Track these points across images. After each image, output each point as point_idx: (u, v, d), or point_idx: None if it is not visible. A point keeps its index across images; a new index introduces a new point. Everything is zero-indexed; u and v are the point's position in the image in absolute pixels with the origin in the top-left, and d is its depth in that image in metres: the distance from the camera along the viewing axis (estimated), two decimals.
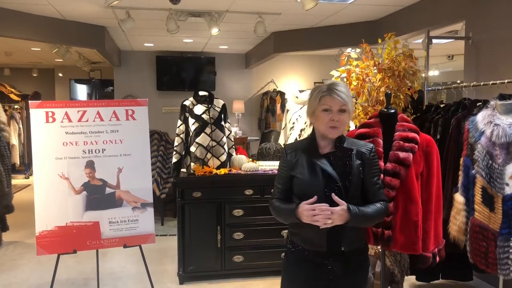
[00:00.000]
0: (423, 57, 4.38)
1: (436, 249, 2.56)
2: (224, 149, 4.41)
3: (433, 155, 2.51)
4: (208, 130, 4.33)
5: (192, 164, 4.35)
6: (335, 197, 1.96)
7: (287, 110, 4.98)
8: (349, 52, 4.20)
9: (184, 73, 10.00)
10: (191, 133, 4.37)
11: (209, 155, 4.33)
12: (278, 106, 9.81)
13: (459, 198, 2.98)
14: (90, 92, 13.47)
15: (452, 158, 3.36)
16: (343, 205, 1.95)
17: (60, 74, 12.67)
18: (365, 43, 4.12)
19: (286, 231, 3.70)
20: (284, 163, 2.14)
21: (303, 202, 1.98)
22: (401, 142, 2.46)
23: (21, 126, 10.13)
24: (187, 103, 4.43)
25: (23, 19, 6.07)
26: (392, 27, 5.42)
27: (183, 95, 5.39)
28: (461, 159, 3.00)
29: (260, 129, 10.38)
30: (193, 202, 4.12)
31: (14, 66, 12.17)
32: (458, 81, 5.51)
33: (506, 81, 3.38)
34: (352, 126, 4.02)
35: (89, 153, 3.50)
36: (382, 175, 2.33)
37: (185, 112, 4.42)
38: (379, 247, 2.62)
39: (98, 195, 3.51)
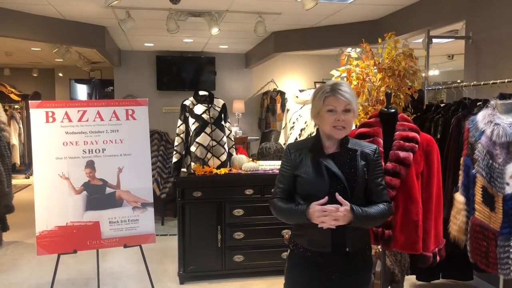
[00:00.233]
0: (423, 56, 4.38)
1: (437, 249, 2.56)
2: (224, 148, 4.41)
3: (433, 155, 2.51)
4: (208, 129, 4.33)
5: (192, 163, 4.35)
6: (339, 197, 1.96)
7: (287, 110, 4.98)
8: (349, 52, 4.20)
9: (184, 73, 10.00)
10: (191, 133, 4.37)
11: (209, 155, 4.33)
12: (278, 105, 9.81)
13: (459, 197, 2.97)
14: (90, 92, 13.47)
15: (452, 158, 3.36)
16: (346, 205, 1.95)
17: (60, 74, 12.67)
18: (365, 43, 4.12)
19: (286, 230, 3.71)
20: (288, 162, 2.13)
21: (314, 202, 1.97)
22: (402, 141, 2.46)
23: (21, 126, 10.13)
24: (187, 103, 4.43)
25: (23, 19, 6.07)
26: (392, 26, 5.42)
27: (183, 95, 5.39)
28: (462, 159, 2.99)
29: (260, 128, 10.38)
30: (194, 202, 4.12)
31: (14, 66, 12.17)
32: (458, 81, 5.51)
33: (506, 80, 3.38)
34: (352, 126, 4.02)
35: (89, 153, 3.50)
36: None
37: (185, 112, 4.41)
38: (379, 246, 2.62)
39: (98, 195, 3.51)
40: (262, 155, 4.67)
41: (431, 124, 3.70)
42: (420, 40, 5.70)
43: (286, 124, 4.94)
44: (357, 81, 3.96)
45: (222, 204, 4.15)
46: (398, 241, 2.46)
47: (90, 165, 3.50)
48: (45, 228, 3.39)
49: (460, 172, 3.01)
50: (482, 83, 3.59)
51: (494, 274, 2.85)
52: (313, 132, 4.55)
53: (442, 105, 4.00)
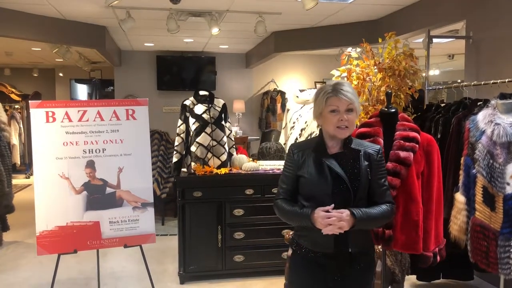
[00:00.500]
0: (423, 56, 4.38)
1: (437, 249, 2.56)
2: (224, 148, 4.41)
3: (433, 155, 2.50)
4: (208, 129, 4.33)
5: (192, 163, 4.35)
6: (334, 211, 1.95)
7: (288, 110, 4.98)
8: (349, 52, 4.20)
9: (184, 72, 10.00)
10: (191, 133, 4.37)
11: (209, 155, 4.33)
12: (279, 105, 9.81)
13: (460, 197, 2.97)
14: (90, 92, 13.47)
15: (453, 158, 3.36)
16: (345, 211, 1.95)
17: (61, 74, 12.67)
18: (365, 43, 4.12)
19: (287, 230, 3.71)
20: (291, 162, 2.13)
21: (319, 208, 1.97)
22: (402, 141, 2.46)
23: (21, 126, 10.13)
24: (187, 102, 4.43)
25: (24, 19, 6.07)
26: (393, 26, 5.42)
27: (184, 95, 5.39)
28: (462, 159, 2.99)
29: (260, 128, 10.38)
30: (194, 202, 4.12)
31: (15, 66, 12.17)
32: (459, 81, 5.51)
33: (506, 80, 3.38)
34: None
35: (89, 152, 3.50)
36: None
37: (185, 111, 4.41)
38: (379, 246, 2.62)
39: (98, 195, 3.51)
40: (262, 155, 4.67)
41: (432, 124, 3.70)
42: (421, 40, 5.70)
43: (286, 124, 4.94)
44: (358, 81, 3.96)
45: (222, 204, 4.15)
46: (398, 241, 2.46)
47: (90, 165, 3.50)
48: (45, 228, 3.39)
49: (461, 172, 3.01)
50: (482, 83, 3.59)
51: (494, 274, 2.85)
52: (313, 132, 4.55)
53: (442, 105, 4.00)
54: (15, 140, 9.64)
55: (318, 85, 10.02)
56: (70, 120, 3.46)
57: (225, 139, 4.42)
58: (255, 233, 4.19)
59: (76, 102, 4.10)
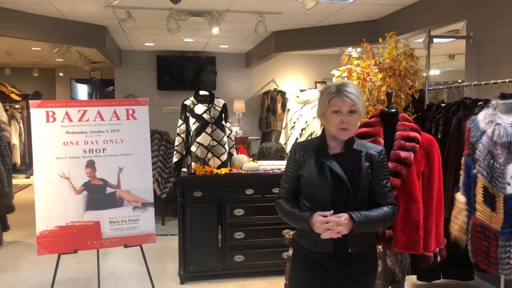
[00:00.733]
0: (424, 56, 4.38)
1: (437, 249, 2.55)
2: (224, 148, 4.41)
3: (434, 155, 2.50)
4: (208, 129, 4.33)
5: (193, 163, 4.34)
6: (333, 216, 1.94)
7: (288, 110, 4.97)
8: (350, 52, 4.20)
9: (184, 72, 10.00)
10: (191, 133, 4.37)
11: (209, 155, 4.32)
12: (279, 105, 9.81)
13: (460, 197, 2.97)
14: (90, 91, 13.48)
15: (453, 158, 3.36)
16: (342, 216, 1.94)
17: (61, 74, 12.67)
18: (366, 43, 4.12)
19: (287, 230, 3.71)
20: (292, 162, 2.12)
21: (318, 212, 1.96)
22: (402, 141, 2.45)
23: (22, 126, 10.13)
24: (187, 102, 4.43)
25: (24, 18, 6.07)
26: (393, 26, 5.41)
27: (184, 95, 5.39)
28: (462, 159, 2.99)
29: (261, 128, 10.38)
30: (194, 202, 4.11)
31: (15, 66, 12.18)
32: (459, 81, 5.51)
33: (507, 80, 3.38)
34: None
35: (89, 152, 3.49)
36: None
37: (185, 111, 4.41)
38: (380, 246, 2.61)
39: (98, 195, 3.51)
40: (262, 155, 4.67)
41: (432, 124, 3.70)
42: (421, 40, 5.70)
43: (286, 124, 4.94)
44: (358, 80, 3.96)
45: (222, 204, 4.15)
46: (398, 241, 2.45)
47: (91, 165, 3.49)
48: (46, 228, 3.39)
49: (461, 172, 3.00)
50: (483, 83, 3.59)
51: (495, 274, 2.85)
52: (314, 132, 4.54)
53: (443, 105, 4.00)
54: (15, 140, 9.64)
55: (319, 85, 10.03)
56: (70, 120, 3.45)
57: (225, 139, 4.42)
58: (256, 233, 4.19)
59: (76, 102, 4.09)
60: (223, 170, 4.22)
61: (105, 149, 3.52)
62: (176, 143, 4.45)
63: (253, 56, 9.59)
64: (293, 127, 4.79)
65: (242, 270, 4.22)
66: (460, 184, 3.00)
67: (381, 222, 2.07)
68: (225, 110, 4.50)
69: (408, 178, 2.42)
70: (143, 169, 3.61)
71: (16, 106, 10.50)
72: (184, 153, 4.44)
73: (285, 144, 4.85)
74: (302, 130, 4.68)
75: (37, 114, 3.41)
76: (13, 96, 10.55)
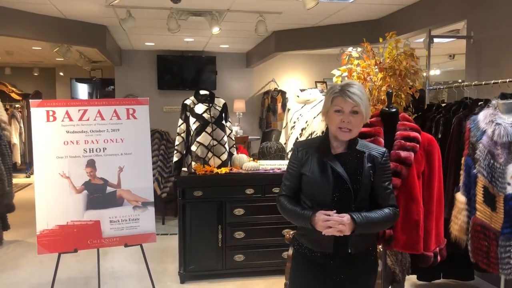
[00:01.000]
0: (424, 56, 4.38)
1: (438, 249, 2.55)
2: (225, 148, 4.41)
3: (434, 154, 2.50)
4: (209, 129, 4.33)
5: (193, 163, 4.34)
6: (336, 215, 1.95)
7: (288, 109, 4.97)
8: (350, 51, 4.20)
9: (185, 72, 10.00)
10: (192, 132, 4.37)
11: (210, 154, 4.32)
12: (279, 105, 9.81)
13: (460, 197, 2.97)
14: (91, 91, 13.49)
15: (453, 158, 3.36)
16: (344, 216, 1.94)
17: (61, 73, 12.67)
18: (366, 42, 4.12)
19: (287, 230, 3.71)
20: (295, 160, 2.12)
21: (321, 211, 1.96)
22: (403, 141, 2.45)
23: (22, 125, 10.14)
24: (188, 102, 4.43)
25: (24, 18, 6.07)
26: (394, 26, 5.41)
27: (184, 94, 5.39)
28: (463, 159, 2.99)
29: (261, 128, 10.38)
30: (194, 201, 4.12)
31: (15, 65, 12.17)
32: (460, 80, 5.50)
33: (507, 80, 3.38)
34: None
35: (90, 152, 3.49)
36: None
37: (186, 111, 4.41)
38: (380, 246, 2.61)
39: (99, 194, 3.51)
40: (262, 155, 4.67)
41: (432, 124, 3.70)
42: (421, 40, 5.70)
43: (287, 123, 4.94)
44: (358, 80, 3.96)
45: (222, 203, 4.15)
46: (399, 241, 2.46)
47: (91, 164, 3.49)
48: (46, 227, 3.39)
49: (461, 172, 3.00)
50: (483, 82, 3.59)
51: (495, 274, 2.85)
52: (314, 132, 4.54)
53: (443, 104, 4.00)
54: (15, 139, 9.65)
55: (319, 85, 10.03)
56: (70, 119, 3.45)
57: (225, 138, 4.42)
58: (256, 233, 4.19)
59: (77, 101, 4.10)
60: (223, 170, 4.22)
61: (106, 149, 3.53)
62: (177, 142, 4.45)
63: (254, 56, 9.59)
64: (293, 126, 4.78)
65: (242, 270, 4.22)
66: (460, 184, 3.00)
67: (382, 223, 2.07)
68: (225, 109, 4.50)
69: (408, 178, 2.42)
70: (143, 169, 3.61)
71: (17, 106, 10.51)
72: (184, 152, 4.44)
73: (285, 143, 4.85)
74: (302, 129, 4.68)
75: (38, 113, 3.41)
76: (14, 95, 10.56)
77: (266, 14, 6.04)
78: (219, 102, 4.50)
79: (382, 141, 2.48)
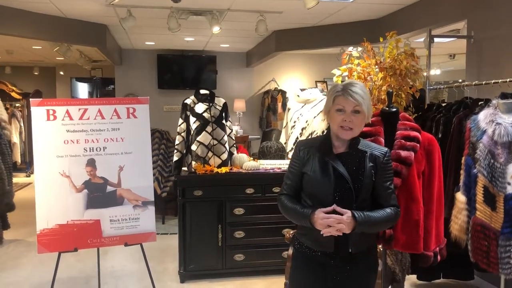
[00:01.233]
0: (424, 56, 4.38)
1: (438, 248, 2.55)
2: (225, 147, 4.41)
3: (434, 154, 2.50)
4: (209, 128, 4.33)
5: (193, 162, 4.34)
6: (338, 208, 1.95)
7: (288, 109, 4.97)
8: (350, 51, 4.20)
9: (185, 71, 10.01)
10: (192, 132, 4.37)
11: (210, 154, 4.32)
12: (279, 104, 9.81)
13: (460, 197, 2.97)
14: (91, 90, 13.49)
15: (453, 157, 3.36)
16: (347, 213, 1.94)
17: (61, 73, 12.68)
18: (366, 42, 4.12)
19: (287, 229, 3.71)
20: (296, 159, 2.12)
21: (320, 209, 1.96)
22: (403, 140, 2.45)
23: (22, 124, 10.14)
24: (188, 101, 4.43)
25: (25, 17, 6.07)
26: (394, 25, 5.41)
27: (184, 94, 5.39)
28: (463, 158, 2.99)
29: (261, 127, 10.38)
30: (194, 201, 4.12)
31: (15, 65, 12.18)
32: (460, 80, 5.50)
33: (508, 80, 3.38)
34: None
35: (90, 151, 3.49)
36: None
37: (186, 110, 4.41)
38: (380, 246, 2.61)
39: (99, 193, 3.51)
40: (263, 154, 4.67)
41: (433, 124, 3.70)
42: (422, 40, 5.70)
43: (287, 123, 4.94)
44: (358, 80, 3.96)
45: (222, 203, 4.15)
46: (399, 240, 2.46)
47: (91, 163, 3.49)
48: (46, 226, 3.39)
49: (462, 172, 3.00)
50: (483, 82, 3.59)
51: (495, 274, 2.85)
52: (314, 131, 4.54)
53: (443, 104, 4.00)
54: (15, 139, 9.65)
55: (319, 84, 10.03)
56: (71, 119, 3.45)
57: (225, 138, 4.42)
58: (256, 232, 4.19)
59: (77, 100, 4.09)
60: (224, 169, 4.22)
61: (106, 148, 3.53)
62: (177, 142, 4.44)
63: (254, 55, 9.59)
64: (294, 126, 4.78)
65: (242, 269, 4.22)
66: (461, 183, 3.00)
67: (383, 223, 2.07)
68: (225, 109, 4.50)
69: (409, 178, 2.42)
70: (143, 168, 3.61)
71: (17, 105, 10.50)
72: (185, 152, 4.44)
73: (285, 143, 4.85)
74: (302, 129, 4.68)
75: (38, 112, 3.41)
76: (14, 94, 10.56)
77: (266, 14, 6.04)
78: (219, 101, 4.50)
79: (383, 140, 2.48)
